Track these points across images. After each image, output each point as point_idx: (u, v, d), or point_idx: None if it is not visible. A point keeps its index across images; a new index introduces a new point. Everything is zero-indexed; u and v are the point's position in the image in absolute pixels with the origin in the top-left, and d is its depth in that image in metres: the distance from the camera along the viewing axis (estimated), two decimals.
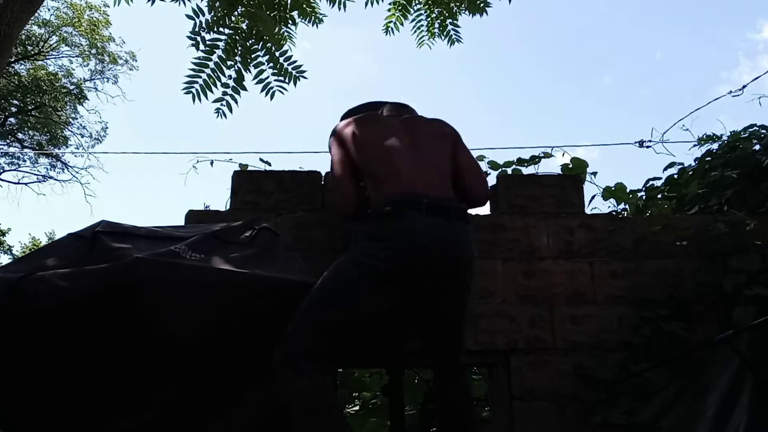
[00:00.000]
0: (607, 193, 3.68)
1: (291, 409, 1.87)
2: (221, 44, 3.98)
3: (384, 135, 2.23)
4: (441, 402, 2.24)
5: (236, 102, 3.98)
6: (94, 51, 15.75)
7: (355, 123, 2.31)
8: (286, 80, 4.03)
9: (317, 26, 4.46)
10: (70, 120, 16.29)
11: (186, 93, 3.82)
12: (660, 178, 4.00)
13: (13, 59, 13.64)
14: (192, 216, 2.83)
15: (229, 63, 3.98)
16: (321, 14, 4.46)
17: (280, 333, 2.01)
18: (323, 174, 3.02)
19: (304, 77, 4.05)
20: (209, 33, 3.96)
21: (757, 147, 3.36)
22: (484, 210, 3.19)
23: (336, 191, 2.34)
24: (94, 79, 16.07)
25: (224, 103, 3.94)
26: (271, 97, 3.96)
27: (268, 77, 4.00)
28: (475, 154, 3.81)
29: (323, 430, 1.84)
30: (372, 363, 3.08)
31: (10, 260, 15.70)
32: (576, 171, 3.51)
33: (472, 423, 2.17)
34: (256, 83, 3.99)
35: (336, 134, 2.33)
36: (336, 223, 2.90)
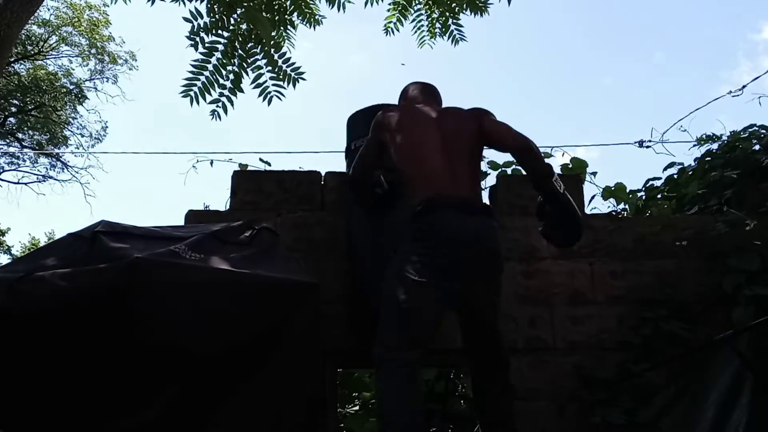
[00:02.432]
0: (607, 193, 3.68)
1: (383, 404, 1.99)
2: (220, 47, 3.98)
3: (418, 133, 2.30)
4: (481, 402, 2.26)
5: (232, 104, 3.98)
6: (93, 51, 15.73)
7: (397, 116, 2.37)
8: (285, 82, 4.02)
9: (315, 28, 4.47)
10: (70, 120, 16.28)
11: (184, 96, 3.82)
12: (660, 178, 4.00)
13: (12, 59, 13.63)
14: (192, 216, 2.83)
15: (228, 67, 3.97)
16: (320, 15, 4.47)
17: (281, 334, 2.01)
18: (323, 174, 3.02)
19: (303, 79, 4.05)
20: (208, 35, 3.96)
21: (757, 147, 3.36)
22: None
23: (358, 161, 2.48)
24: (93, 78, 16.06)
25: (220, 104, 3.94)
26: (269, 103, 3.96)
27: (266, 82, 4.00)
28: None
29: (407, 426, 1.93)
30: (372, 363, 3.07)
31: (9, 260, 15.70)
32: (576, 171, 3.51)
33: (511, 423, 2.22)
34: (254, 88, 3.99)
35: (377, 124, 2.40)
36: (336, 223, 2.90)
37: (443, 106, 2.53)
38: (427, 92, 2.57)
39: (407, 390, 1.98)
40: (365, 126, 2.61)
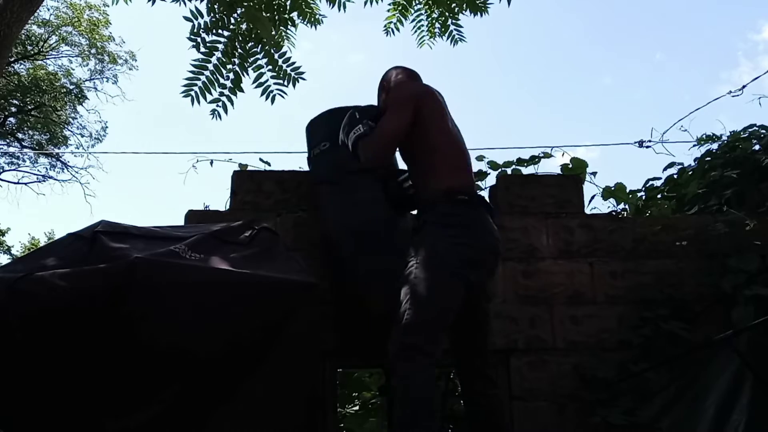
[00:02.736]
0: (607, 193, 3.68)
1: (400, 399, 1.91)
2: (220, 46, 3.98)
3: (450, 122, 2.32)
4: (474, 401, 2.22)
5: (232, 104, 3.99)
6: (93, 51, 15.72)
7: (431, 99, 2.29)
8: (285, 82, 4.03)
9: (316, 28, 4.47)
10: (70, 120, 16.27)
11: (185, 96, 3.82)
12: (660, 178, 4.00)
13: (12, 59, 13.63)
14: (192, 216, 2.83)
15: (228, 66, 3.98)
16: (320, 15, 4.47)
17: (281, 333, 2.01)
18: None
19: (303, 78, 4.05)
20: (209, 35, 3.96)
21: (757, 147, 3.36)
22: None
23: (385, 148, 2.25)
24: (93, 78, 16.05)
25: (220, 104, 3.94)
26: (272, 101, 3.97)
27: (267, 80, 4.00)
28: (475, 153, 3.83)
29: (423, 425, 1.87)
30: (372, 363, 3.07)
31: (9, 260, 15.70)
32: (576, 171, 3.51)
33: (504, 420, 2.22)
34: (256, 87, 4.00)
35: (413, 97, 2.25)
36: None
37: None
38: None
39: (433, 389, 1.96)
40: (326, 131, 2.61)
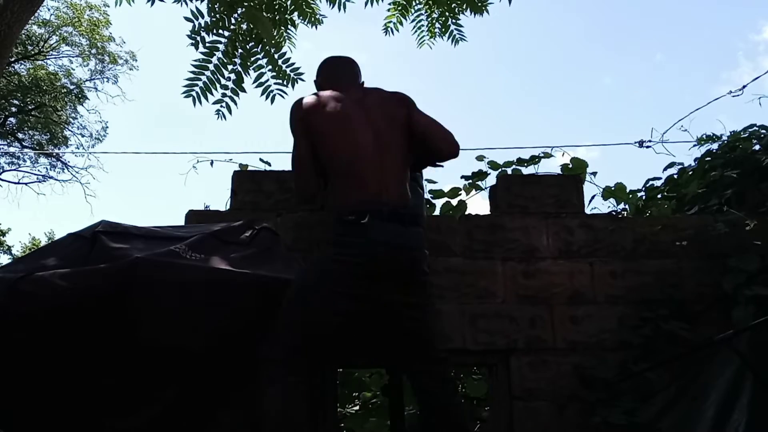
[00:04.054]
0: (607, 193, 3.68)
1: (264, 409, 1.89)
2: (221, 46, 3.99)
3: (350, 131, 2.18)
4: (420, 405, 2.19)
5: (235, 103, 4.00)
6: (94, 51, 15.74)
7: (319, 112, 2.22)
8: (284, 82, 4.04)
9: (317, 27, 4.47)
10: (70, 120, 16.29)
11: (186, 96, 3.82)
12: (660, 178, 4.00)
13: (13, 59, 13.63)
14: (192, 216, 2.83)
15: (229, 66, 3.98)
16: (321, 15, 4.47)
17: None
18: None
19: (302, 79, 4.07)
20: (209, 34, 3.97)
21: (757, 147, 3.36)
22: (484, 210, 3.20)
23: (299, 180, 2.29)
24: (94, 78, 16.07)
25: (224, 104, 3.95)
26: (272, 101, 3.97)
27: (268, 80, 4.01)
28: (475, 153, 3.83)
29: None
30: (372, 363, 3.07)
31: (10, 260, 15.70)
32: (576, 171, 3.51)
33: (458, 418, 2.13)
34: (257, 87, 4.00)
35: (298, 120, 2.24)
36: None
37: (364, 86, 2.42)
38: (346, 70, 2.43)
39: (295, 398, 1.91)
40: None
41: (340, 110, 2.22)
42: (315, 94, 2.33)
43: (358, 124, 2.19)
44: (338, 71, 2.43)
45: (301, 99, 2.29)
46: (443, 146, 2.27)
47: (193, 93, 3.84)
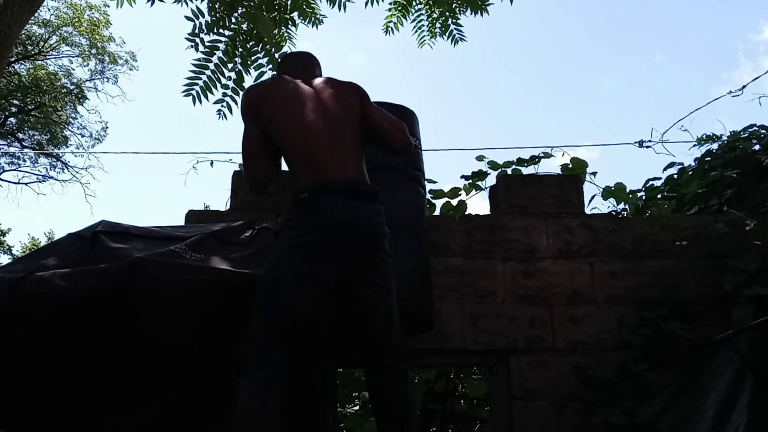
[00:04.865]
0: (607, 193, 3.69)
1: (239, 404, 1.82)
2: (221, 45, 3.99)
3: (300, 114, 2.15)
4: (371, 396, 2.13)
5: (236, 103, 3.99)
6: (94, 51, 15.72)
7: (269, 98, 2.19)
8: None
9: (317, 27, 4.47)
10: (70, 120, 16.26)
11: (186, 95, 3.82)
12: (660, 178, 4.01)
13: (13, 59, 13.63)
14: (192, 216, 2.83)
15: (229, 65, 3.98)
16: (321, 15, 4.47)
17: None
18: None
19: None
20: (209, 34, 3.97)
21: (757, 147, 3.37)
22: (484, 210, 3.20)
23: (248, 168, 2.24)
24: (94, 79, 16.05)
25: (224, 104, 3.95)
26: None
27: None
28: (475, 153, 3.83)
29: None
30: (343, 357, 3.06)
31: (10, 260, 15.70)
32: (576, 171, 3.52)
33: (408, 409, 2.05)
34: None
35: (249, 107, 2.20)
36: None
37: (322, 76, 2.38)
38: (304, 63, 2.41)
39: (265, 392, 1.83)
40: None
41: (291, 95, 2.19)
42: (265, 81, 2.32)
43: (309, 108, 2.16)
44: (296, 65, 2.41)
45: (252, 86, 2.28)
46: (397, 145, 2.23)
47: (193, 92, 3.83)
